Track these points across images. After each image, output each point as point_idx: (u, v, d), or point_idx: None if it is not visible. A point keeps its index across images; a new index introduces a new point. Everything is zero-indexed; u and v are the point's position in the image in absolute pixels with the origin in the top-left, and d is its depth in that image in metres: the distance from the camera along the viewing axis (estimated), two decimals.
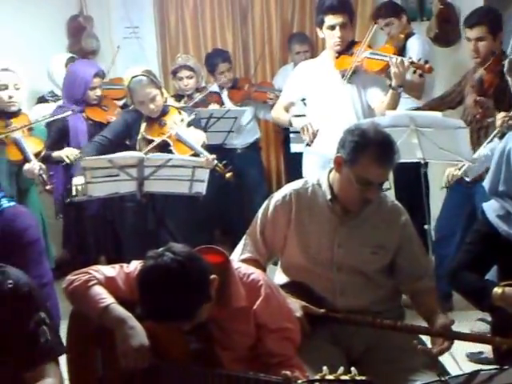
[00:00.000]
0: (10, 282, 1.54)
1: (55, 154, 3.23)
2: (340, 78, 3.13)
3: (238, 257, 2.12)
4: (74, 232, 3.59)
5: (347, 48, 3.14)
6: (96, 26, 4.76)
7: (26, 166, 2.92)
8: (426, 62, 2.96)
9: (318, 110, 3.22)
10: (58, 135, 3.40)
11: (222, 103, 4.20)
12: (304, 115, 3.40)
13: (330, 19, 3.07)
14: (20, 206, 2.45)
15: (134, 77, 3.08)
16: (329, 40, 3.15)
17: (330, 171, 2.09)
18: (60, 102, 3.66)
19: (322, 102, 3.20)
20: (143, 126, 3.13)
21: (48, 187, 2.90)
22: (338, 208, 2.05)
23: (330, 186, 2.06)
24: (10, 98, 3.05)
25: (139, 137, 3.10)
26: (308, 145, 3.10)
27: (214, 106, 4.02)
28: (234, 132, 3.94)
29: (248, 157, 4.36)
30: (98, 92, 3.54)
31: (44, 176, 2.90)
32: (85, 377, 1.76)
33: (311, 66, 3.33)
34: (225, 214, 4.42)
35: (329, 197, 2.05)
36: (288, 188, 2.15)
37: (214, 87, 4.41)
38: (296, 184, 2.16)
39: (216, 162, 2.98)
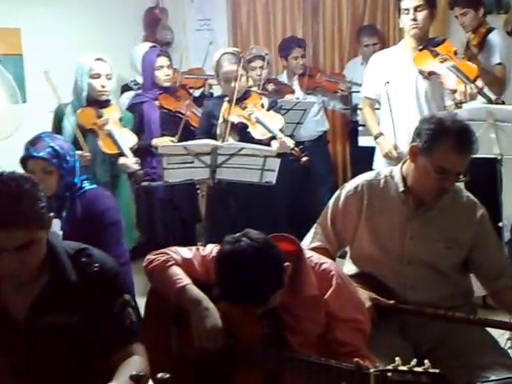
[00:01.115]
0: (97, 265, 1.57)
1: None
2: (416, 73, 3.10)
3: (307, 245, 2.13)
4: (144, 215, 3.71)
5: (434, 44, 3.10)
6: (170, 18, 4.89)
7: (122, 161, 3.00)
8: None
9: (392, 102, 3.20)
10: (138, 122, 3.51)
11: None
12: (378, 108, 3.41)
13: (406, 3, 3.06)
14: (101, 188, 2.54)
15: (225, 53, 3.17)
16: (405, 24, 3.12)
17: (404, 162, 2.08)
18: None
19: (396, 95, 3.18)
20: (224, 107, 3.19)
21: (144, 184, 3.00)
22: (410, 200, 2.03)
23: (403, 178, 2.04)
24: (103, 87, 3.10)
25: (220, 120, 3.17)
26: None
27: (289, 97, 4.06)
28: (302, 124, 3.96)
29: (315, 150, 4.33)
30: (167, 71, 3.61)
31: (140, 172, 2.98)
32: (160, 354, 1.79)
33: (385, 57, 3.30)
34: (290, 205, 4.44)
35: (401, 188, 2.04)
36: (360, 179, 2.15)
37: (283, 77, 4.44)
38: (368, 175, 2.16)
39: (293, 145, 3.02)
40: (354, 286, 1.88)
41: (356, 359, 1.55)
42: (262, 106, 3.22)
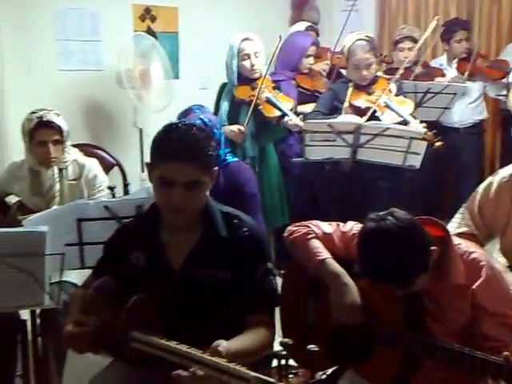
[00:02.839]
0: (246, 229, 1.65)
1: None
2: None
3: (453, 230, 2.04)
4: None
5: None
6: None
7: (286, 118, 3.13)
8: None
9: None
10: None
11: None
12: None
13: None
14: (242, 162, 2.65)
15: (357, 39, 3.11)
16: None
17: None
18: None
19: None
20: (350, 92, 3.14)
21: (297, 159, 3.00)
22: None
23: None
24: (252, 66, 3.20)
25: (345, 105, 3.13)
26: None
27: (440, 79, 3.89)
28: (450, 109, 3.75)
29: (467, 138, 4.13)
30: (311, 60, 3.67)
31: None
32: (296, 324, 1.83)
33: None
34: (428, 193, 4.26)
35: None
36: None
37: (442, 60, 4.22)
38: None
39: (425, 130, 2.89)
40: (506, 280, 1.74)
41: (506, 353, 1.45)
42: (390, 91, 3.13)
